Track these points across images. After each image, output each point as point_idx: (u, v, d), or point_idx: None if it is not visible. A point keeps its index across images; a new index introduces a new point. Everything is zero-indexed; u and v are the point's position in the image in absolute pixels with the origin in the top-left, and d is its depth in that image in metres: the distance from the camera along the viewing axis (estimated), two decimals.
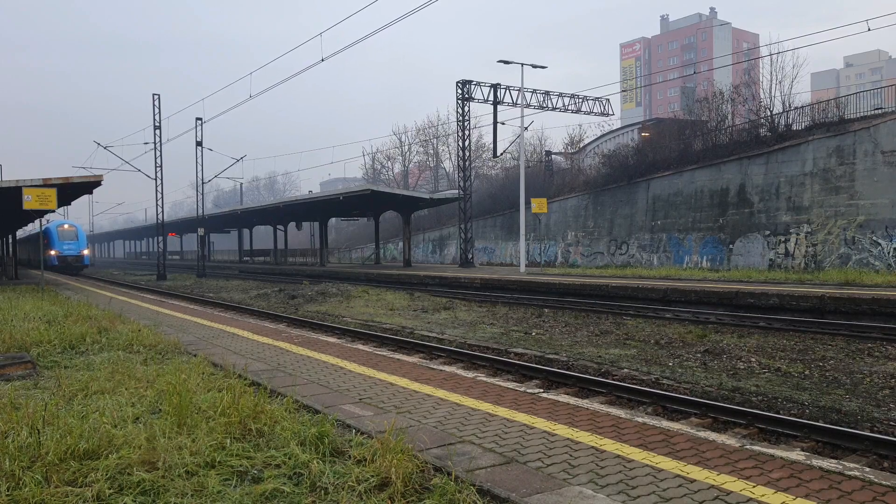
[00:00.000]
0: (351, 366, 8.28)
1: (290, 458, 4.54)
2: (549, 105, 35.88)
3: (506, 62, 31.16)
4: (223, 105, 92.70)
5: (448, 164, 70.09)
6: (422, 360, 9.59)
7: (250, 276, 45.35)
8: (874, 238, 23.92)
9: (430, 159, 73.65)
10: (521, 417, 5.72)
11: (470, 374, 7.82)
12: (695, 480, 4.16)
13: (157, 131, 40.58)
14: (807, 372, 10.07)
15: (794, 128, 28.81)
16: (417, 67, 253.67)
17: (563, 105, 36.32)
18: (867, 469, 4.40)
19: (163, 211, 41.92)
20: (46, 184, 21.10)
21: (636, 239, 34.27)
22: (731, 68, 73.73)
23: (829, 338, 13.05)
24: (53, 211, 23.91)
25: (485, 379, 7.58)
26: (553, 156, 51.53)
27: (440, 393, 6.70)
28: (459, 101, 35.07)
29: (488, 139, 54.35)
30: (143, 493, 4.02)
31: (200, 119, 42.83)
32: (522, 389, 6.95)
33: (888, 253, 23.50)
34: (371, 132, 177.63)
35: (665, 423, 5.53)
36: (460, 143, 36.62)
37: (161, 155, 40.79)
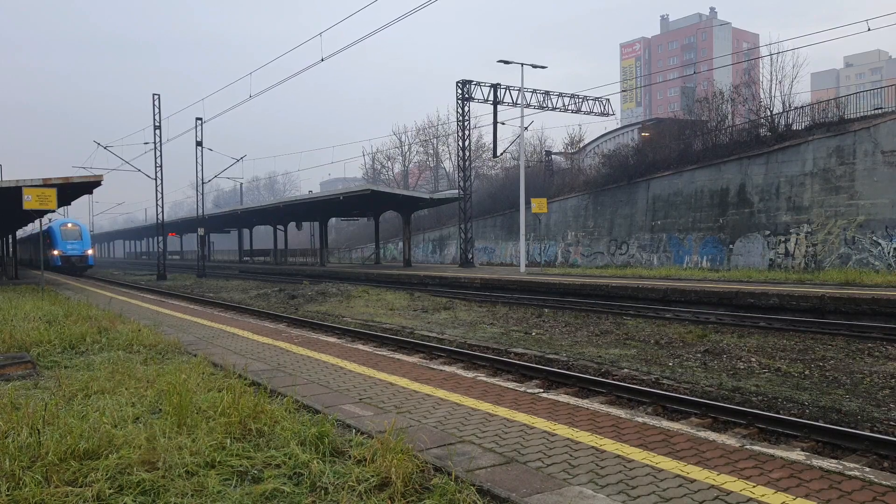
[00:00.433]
0: (351, 366, 8.28)
1: (290, 458, 4.54)
2: (549, 105, 35.88)
3: (506, 62, 31.17)
4: (223, 105, 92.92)
5: (448, 164, 70.13)
6: (422, 360, 9.59)
7: (250, 276, 45.36)
8: (874, 238, 23.92)
9: (430, 159, 73.66)
10: (521, 417, 5.72)
11: (470, 374, 7.82)
12: (695, 480, 4.16)
13: (157, 131, 40.61)
14: (807, 372, 10.07)
15: (794, 128, 28.81)
16: (417, 67, 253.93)
17: (563, 105, 36.33)
18: (867, 469, 4.40)
19: (163, 211, 41.94)
20: (46, 184, 21.10)
21: (636, 239, 34.27)
22: (731, 68, 73.73)
23: (829, 338, 13.04)
24: (53, 211, 23.92)
25: (485, 379, 7.58)
26: (553, 156, 51.54)
27: (440, 393, 6.70)
28: (459, 101, 35.07)
29: (488, 139, 54.39)
30: (143, 493, 4.02)
31: (200, 119, 42.86)
32: (522, 389, 6.95)
33: (888, 253, 23.51)
34: (371, 132, 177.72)
35: (665, 423, 5.53)
36: (460, 143, 36.63)
37: (161, 155, 40.83)
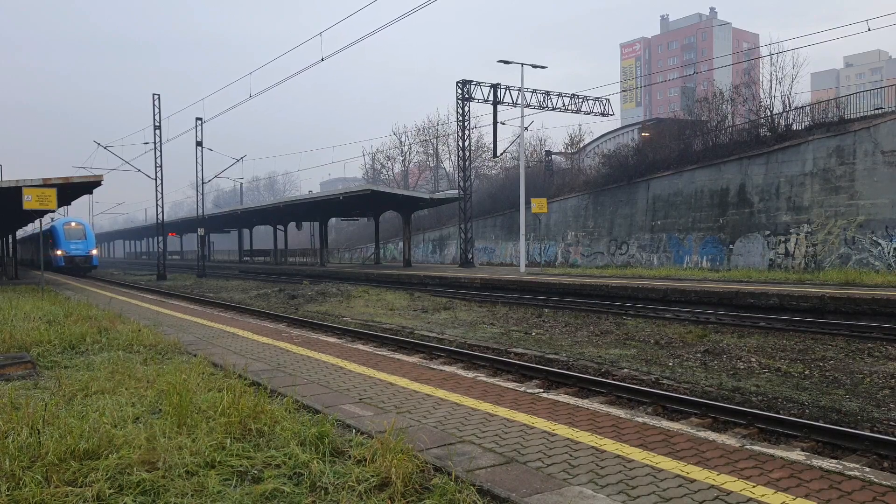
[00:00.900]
0: (351, 366, 8.28)
1: (290, 458, 4.54)
2: (549, 105, 35.88)
3: (506, 62, 31.16)
4: (223, 105, 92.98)
5: (448, 164, 70.12)
6: (422, 360, 9.59)
7: (250, 276, 45.36)
8: (874, 238, 23.92)
9: (430, 159, 73.66)
10: (521, 417, 5.72)
11: (470, 374, 7.82)
12: (695, 480, 4.16)
13: (157, 131, 40.61)
14: (807, 372, 10.07)
15: (794, 128, 28.81)
16: (417, 67, 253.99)
17: (563, 105, 36.33)
18: (867, 469, 4.40)
19: (163, 211, 41.94)
20: (46, 184, 21.11)
21: (636, 239, 34.27)
22: (731, 68, 73.71)
23: (829, 338, 13.04)
24: (54, 211, 23.92)
25: (485, 379, 7.58)
26: (553, 156, 51.52)
27: (440, 393, 6.70)
28: (459, 101, 35.07)
29: (488, 139, 54.36)
30: (143, 493, 4.02)
31: (200, 119, 42.87)
32: (522, 389, 6.95)
33: (888, 253, 23.50)
34: (371, 132, 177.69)
35: (665, 423, 5.53)
36: (460, 143, 36.63)
37: (161, 155, 40.83)
